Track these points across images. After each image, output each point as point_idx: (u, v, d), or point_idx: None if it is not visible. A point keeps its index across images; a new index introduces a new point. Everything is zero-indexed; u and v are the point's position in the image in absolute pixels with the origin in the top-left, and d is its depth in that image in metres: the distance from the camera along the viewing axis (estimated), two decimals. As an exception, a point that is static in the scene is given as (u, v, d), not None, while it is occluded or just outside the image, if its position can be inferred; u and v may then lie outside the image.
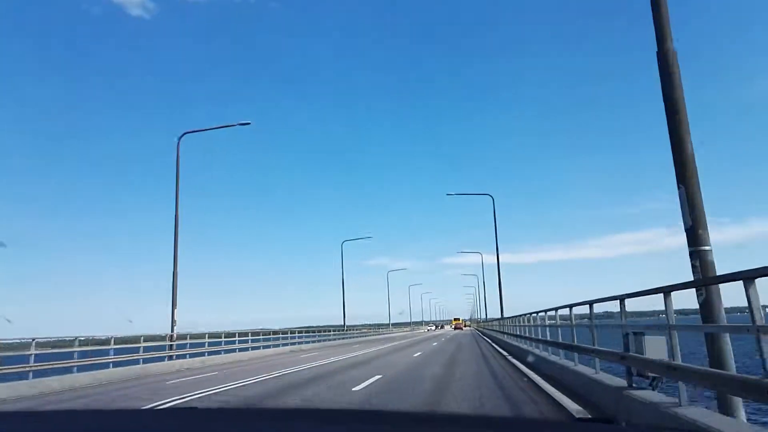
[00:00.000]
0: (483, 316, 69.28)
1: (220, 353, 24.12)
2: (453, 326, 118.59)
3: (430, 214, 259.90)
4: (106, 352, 17.34)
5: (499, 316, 33.74)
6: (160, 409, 7.01)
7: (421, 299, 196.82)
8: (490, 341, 33.41)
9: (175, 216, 21.11)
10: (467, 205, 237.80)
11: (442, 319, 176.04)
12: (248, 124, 22.15)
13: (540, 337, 14.70)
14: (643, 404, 5.62)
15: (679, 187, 6.76)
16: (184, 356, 22.57)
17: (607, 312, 12.16)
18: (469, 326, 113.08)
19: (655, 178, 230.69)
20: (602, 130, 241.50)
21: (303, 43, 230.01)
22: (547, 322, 13.47)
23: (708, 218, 6.60)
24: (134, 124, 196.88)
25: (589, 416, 6.82)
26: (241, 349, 25.61)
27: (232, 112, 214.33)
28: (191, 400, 10.63)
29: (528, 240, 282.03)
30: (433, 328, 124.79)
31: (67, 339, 16.17)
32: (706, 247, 6.46)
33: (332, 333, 45.08)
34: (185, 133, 21.90)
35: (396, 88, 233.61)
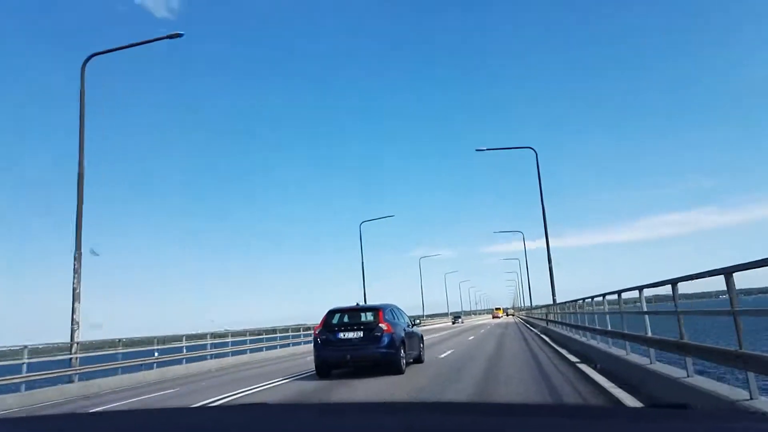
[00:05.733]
0: (527, 304, 61.49)
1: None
2: (492, 316, 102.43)
3: (470, 205, 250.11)
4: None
5: (551, 302, 26.10)
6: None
7: (459, 288, 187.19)
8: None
9: (79, 173, 15.16)
10: (505, 189, 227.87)
11: (482, 308, 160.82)
12: (180, 35, 16.05)
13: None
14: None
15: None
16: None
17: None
18: (512, 314, 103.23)
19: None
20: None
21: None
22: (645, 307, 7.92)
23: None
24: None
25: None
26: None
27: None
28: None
29: (571, 224, 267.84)
30: None
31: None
32: None
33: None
34: (92, 56, 16.11)
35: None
